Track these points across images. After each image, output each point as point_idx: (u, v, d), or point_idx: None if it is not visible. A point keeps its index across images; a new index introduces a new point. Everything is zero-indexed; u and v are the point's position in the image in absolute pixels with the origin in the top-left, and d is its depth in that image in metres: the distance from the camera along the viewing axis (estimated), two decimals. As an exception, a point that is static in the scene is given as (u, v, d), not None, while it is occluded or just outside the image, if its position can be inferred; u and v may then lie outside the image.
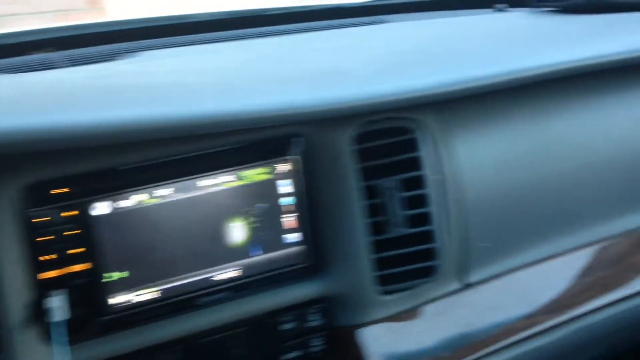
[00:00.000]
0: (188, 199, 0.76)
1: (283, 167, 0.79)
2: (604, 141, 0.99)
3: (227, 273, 0.78)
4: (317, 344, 0.85)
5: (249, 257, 0.79)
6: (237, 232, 0.78)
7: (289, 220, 0.80)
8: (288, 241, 0.81)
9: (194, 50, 1.01)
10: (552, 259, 0.97)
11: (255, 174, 0.78)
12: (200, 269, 0.77)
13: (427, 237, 0.85)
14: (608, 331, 1.01)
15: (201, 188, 0.76)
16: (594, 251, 1.00)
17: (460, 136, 0.88)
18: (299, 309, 0.83)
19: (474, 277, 0.91)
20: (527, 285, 0.94)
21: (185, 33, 1.09)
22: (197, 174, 0.76)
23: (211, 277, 0.78)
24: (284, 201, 0.80)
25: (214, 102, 0.71)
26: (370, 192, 0.84)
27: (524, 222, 0.93)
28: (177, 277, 0.77)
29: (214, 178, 0.77)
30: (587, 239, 0.99)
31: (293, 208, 0.80)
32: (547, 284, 0.95)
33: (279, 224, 0.80)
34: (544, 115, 0.96)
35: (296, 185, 0.80)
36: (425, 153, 0.84)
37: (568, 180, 0.96)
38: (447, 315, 0.90)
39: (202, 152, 0.76)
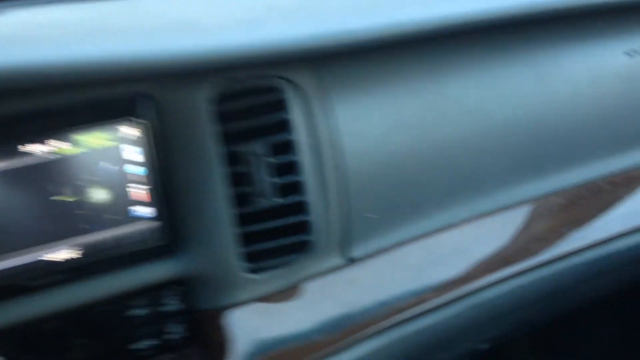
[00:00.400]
0: (13, 169, 0.64)
1: (129, 131, 0.68)
2: (503, 105, 0.91)
3: (63, 252, 0.67)
4: (175, 331, 0.75)
5: (90, 233, 0.68)
6: (75, 206, 0.66)
7: (138, 192, 0.70)
8: (137, 215, 0.70)
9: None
10: (445, 230, 0.88)
11: (95, 139, 0.67)
12: (31, 248, 0.67)
13: (300, 208, 0.76)
14: (506, 308, 0.93)
15: (28, 155, 0.64)
16: (492, 221, 0.91)
17: (340, 98, 0.78)
18: (153, 292, 0.73)
19: (357, 252, 0.82)
20: (417, 260, 0.85)
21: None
22: (21, 138, 0.64)
23: (45, 257, 0.67)
24: (131, 170, 0.69)
25: (29, 50, 0.60)
26: (234, 159, 0.73)
27: (415, 191, 0.85)
28: (3, 258, 0.65)
29: (43, 144, 0.65)
30: (484, 209, 0.91)
31: (144, 179, 0.70)
32: (439, 258, 0.87)
33: (126, 197, 0.69)
34: (437, 76, 0.87)
35: (147, 153, 0.69)
36: (296, 115, 0.74)
37: (464, 146, 0.88)
38: (326, 294, 0.81)
39: (26, 112, 0.64)
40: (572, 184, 0.97)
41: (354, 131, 0.79)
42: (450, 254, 0.88)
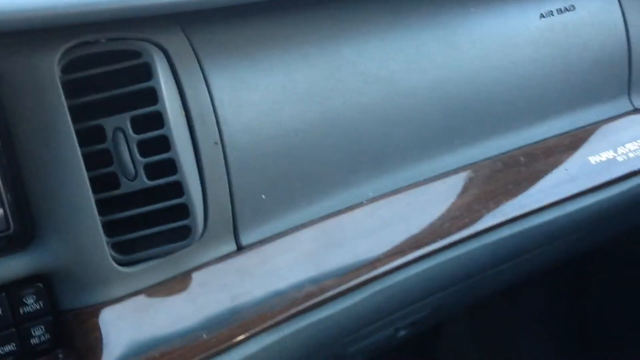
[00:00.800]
0: None
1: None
2: (408, 72, 0.83)
3: None
4: (37, 334, 0.65)
5: None
6: None
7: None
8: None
9: None
10: (346, 211, 0.80)
11: None
12: None
13: (174, 190, 0.67)
14: (417, 292, 0.86)
15: None
16: (399, 200, 0.84)
17: (215, 64, 0.70)
18: (6, 291, 0.63)
19: (247, 238, 0.74)
20: (314, 245, 0.77)
21: None
22: None
23: None
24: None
25: None
26: (93, 137, 0.64)
27: (309, 169, 0.76)
28: None
29: None
30: (390, 186, 0.84)
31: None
32: (340, 242, 0.79)
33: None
34: (332, 40, 0.79)
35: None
36: (163, 83, 0.65)
37: (365, 117, 0.80)
38: (212, 286, 0.72)
39: None
40: (486, 157, 0.90)
41: (234, 102, 0.70)
42: (352, 237, 0.80)
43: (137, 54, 0.65)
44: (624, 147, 1.00)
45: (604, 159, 0.98)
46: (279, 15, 0.74)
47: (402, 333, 1.03)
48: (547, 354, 1.53)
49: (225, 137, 0.70)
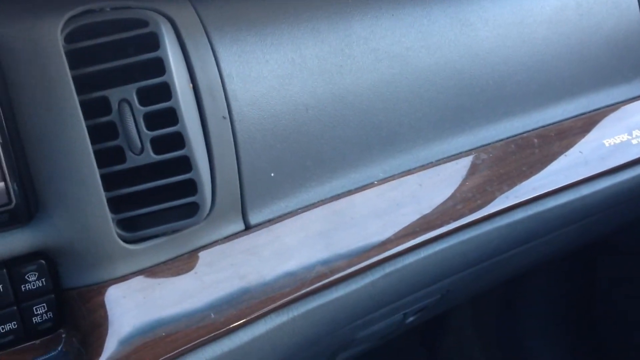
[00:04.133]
0: None
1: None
2: (421, 50, 0.80)
3: None
4: (40, 313, 0.62)
5: None
6: None
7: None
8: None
9: None
10: (358, 191, 0.76)
11: None
12: None
13: (182, 165, 0.63)
14: (428, 276, 0.83)
15: None
16: (412, 181, 0.80)
17: (224, 38, 0.66)
18: (8, 267, 0.60)
19: (255, 217, 0.70)
20: (325, 225, 0.74)
21: None
22: None
23: None
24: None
25: None
26: (98, 108, 0.60)
27: (320, 147, 0.73)
28: None
29: None
30: (403, 167, 0.80)
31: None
32: (351, 223, 0.75)
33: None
34: (344, 16, 0.75)
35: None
36: (170, 54, 0.61)
37: (377, 95, 0.76)
38: (221, 265, 0.69)
39: None
40: (500, 139, 0.86)
41: (242, 76, 0.67)
42: (363, 218, 0.76)
43: (143, 23, 0.61)
44: (639, 130, 0.96)
45: (617, 141, 0.95)
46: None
47: (410, 319, 0.99)
48: (553, 349, 1.49)
49: (233, 112, 0.66)
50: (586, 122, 0.94)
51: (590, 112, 0.94)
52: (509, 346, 1.50)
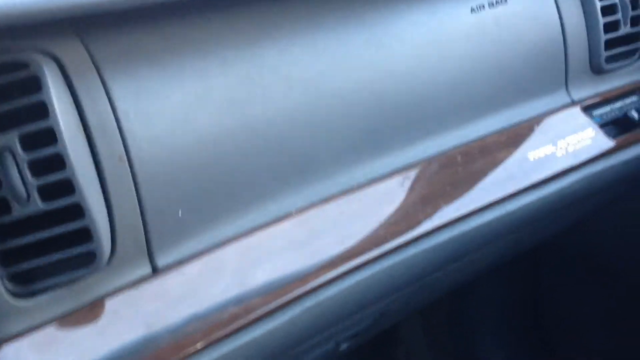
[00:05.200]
0: None
1: None
2: (333, 74, 0.76)
3: None
4: None
5: None
6: None
7: None
8: None
9: None
10: (274, 224, 0.72)
11: None
12: None
13: (74, 212, 0.58)
14: (352, 303, 0.78)
15: None
16: (331, 208, 0.77)
17: (117, 73, 0.61)
18: None
19: (163, 259, 0.66)
20: (238, 262, 0.69)
21: None
22: None
23: None
24: None
25: None
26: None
27: (231, 181, 0.69)
28: None
29: None
30: (322, 194, 0.76)
31: None
32: (267, 257, 0.71)
33: None
34: (251, 43, 0.70)
35: None
36: (54, 96, 0.56)
37: (290, 123, 0.72)
38: (126, 313, 0.64)
39: None
40: (422, 158, 0.83)
41: (140, 113, 0.62)
42: (280, 251, 0.72)
43: (24, 65, 0.56)
44: (564, 140, 0.93)
45: (542, 154, 0.92)
46: (190, 18, 0.66)
47: (344, 346, 0.95)
48: (503, 351, 1.47)
49: (131, 152, 0.61)
50: (510, 136, 0.91)
51: (513, 125, 0.92)
52: (460, 353, 1.48)
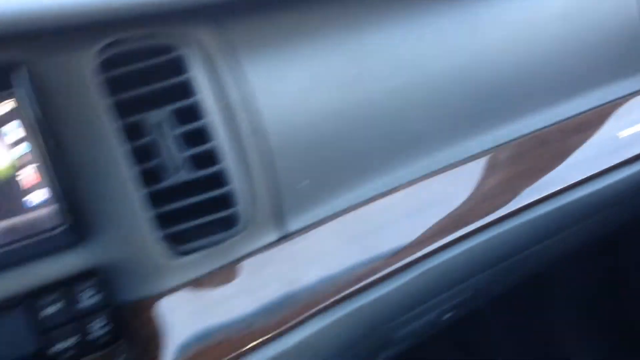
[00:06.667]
0: None
1: (4, 108, 0.55)
2: (435, 56, 0.80)
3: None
4: (97, 328, 0.62)
5: (-20, 228, 0.56)
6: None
7: (28, 178, 0.57)
8: (34, 201, 0.57)
9: None
10: (387, 195, 0.76)
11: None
12: None
13: (219, 179, 0.64)
14: (461, 273, 0.82)
15: None
16: (437, 181, 0.80)
17: (249, 54, 0.67)
18: (63, 287, 0.61)
19: (293, 225, 0.71)
20: (360, 228, 0.74)
21: None
22: None
23: None
24: (18, 154, 0.56)
25: None
26: (135, 132, 0.61)
27: (349, 154, 0.73)
28: None
29: None
30: (427, 169, 0.80)
31: (30, 158, 0.56)
32: (385, 225, 0.75)
33: (14, 181, 0.56)
34: (359, 27, 0.76)
35: (28, 128, 0.56)
36: (199, 75, 0.62)
37: (396, 102, 0.76)
38: (264, 273, 0.69)
39: None
40: (519, 136, 0.86)
41: (269, 91, 0.67)
42: (395, 219, 0.76)
43: (170, 49, 0.62)
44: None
45: (633, 132, 0.93)
46: (307, 5, 0.71)
47: (446, 316, 0.98)
48: (584, 341, 1.46)
49: (266, 125, 0.67)
50: (602, 115, 0.93)
51: (605, 104, 0.93)
52: (541, 339, 1.48)
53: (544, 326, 1.48)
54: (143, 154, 0.62)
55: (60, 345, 0.62)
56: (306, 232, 0.72)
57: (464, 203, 0.82)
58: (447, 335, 1.41)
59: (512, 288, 1.25)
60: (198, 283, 0.67)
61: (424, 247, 0.78)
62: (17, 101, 0.57)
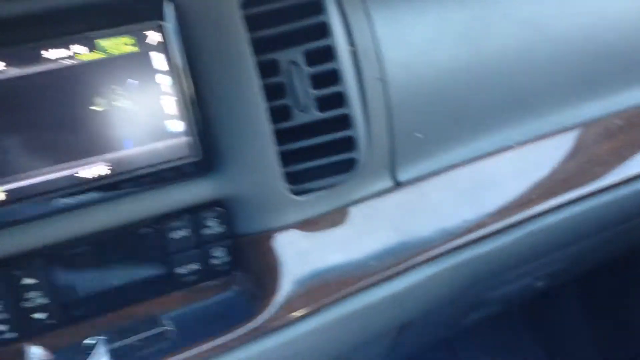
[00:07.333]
0: (38, 74, 0.55)
1: (155, 38, 0.58)
2: (556, 18, 0.79)
3: (93, 168, 0.58)
4: (218, 255, 0.65)
5: (121, 149, 0.58)
6: (104, 118, 0.57)
7: (170, 105, 0.59)
8: (171, 130, 0.59)
9: None
10: (498, 153, 0.76)
11: (117, 44, 0.57)
12: (57, 164, 0.58)
13: (343, 122, 0.65)
14: (566, 237, 0.81)
15: (49, 61, 0.55)
16: (548, 144, 0.79)
17: (377, 2, 0.67)
18: (191, 213, 0.63)
19: (404, 175, 0.71)
20: (470, 184, 0.74)
21: None
22: (43, 40, 0.55)
23: (72, 173, 0.58)
24: (163, 81, 0.59)
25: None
26: (270, 69, 0.62)
27: (463, 109, 0.73)
28: (28, 174, 0.56)
29: (66, 48, 0.55)
30: (540, 130, 0.79)
31: (170, 90, 0.59)
32: (494, 182, 0.75)
33: (159, 109, 0.59)
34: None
35: (171, 61, 0.59)
36: (333, 18, 0.63)
37: (514, 61, 0.76)
38: (376, 218, 0.70)
39: (47, 12, 0.55)
40: (632, 105, 0.84)
41: (394, 39, 0.68)
42: (505, 178, 0.76)
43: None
44: None
45: None
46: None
47: (539, 284, 0.98)
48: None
49: (386, 74, 0.67)
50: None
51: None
52: (619, 324, 1.44)
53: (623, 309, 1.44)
54: (275, 92, 0.63)
55: (186, 267, 0.65)
56: (416, 183, 0.73)
57: (575, 167, 0.81)
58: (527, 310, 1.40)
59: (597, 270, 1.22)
60: (314, 222, 0.68)
61: (533, 207, 0.77)
62: (164, 37, 0.59)
